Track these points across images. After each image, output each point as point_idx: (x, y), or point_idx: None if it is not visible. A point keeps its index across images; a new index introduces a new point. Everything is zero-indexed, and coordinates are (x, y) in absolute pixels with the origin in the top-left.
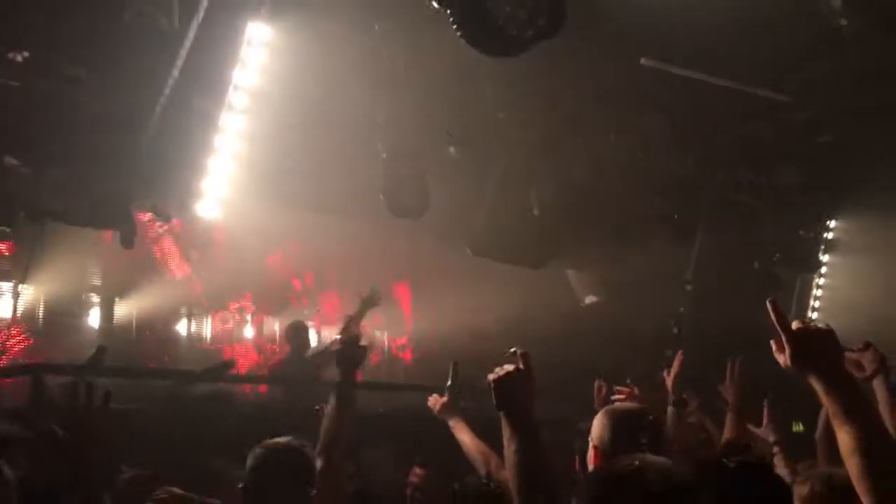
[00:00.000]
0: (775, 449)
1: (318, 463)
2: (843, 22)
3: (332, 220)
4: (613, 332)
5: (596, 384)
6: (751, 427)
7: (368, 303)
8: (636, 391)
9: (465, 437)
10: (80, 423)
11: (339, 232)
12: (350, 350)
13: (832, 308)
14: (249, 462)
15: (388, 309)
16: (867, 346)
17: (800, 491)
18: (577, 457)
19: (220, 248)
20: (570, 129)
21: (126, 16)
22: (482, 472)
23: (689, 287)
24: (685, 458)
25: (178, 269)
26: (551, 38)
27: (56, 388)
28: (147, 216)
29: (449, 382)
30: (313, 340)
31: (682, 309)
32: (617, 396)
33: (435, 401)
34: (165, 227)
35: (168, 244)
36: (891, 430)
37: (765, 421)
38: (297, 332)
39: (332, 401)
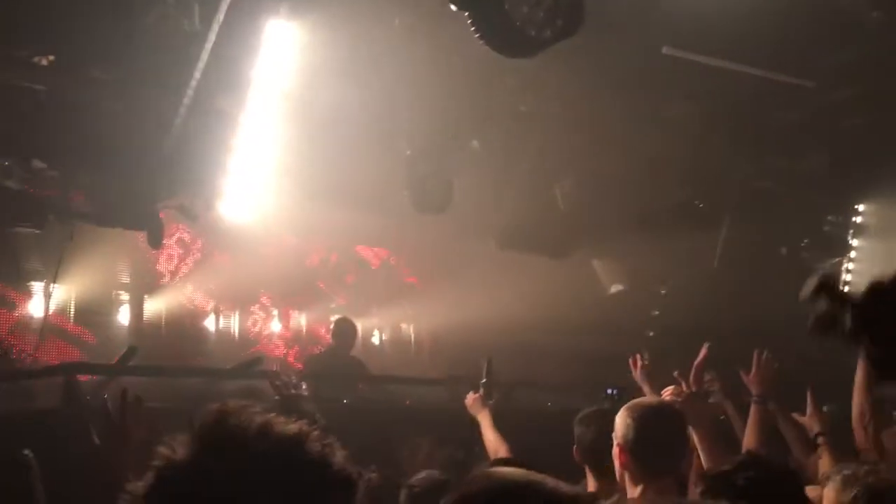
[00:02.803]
0: (819, 440)
1: None
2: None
3: (357, 217)
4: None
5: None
6: (796, 416)
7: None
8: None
9: (487, 430)
10: (114, 429)
11: (363, 228)
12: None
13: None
14: None
15: (414, 302)
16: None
17: (839, 497)
18: (574, 446)
19: (245, 246)
20: (595, 119)
21: (149, 18)
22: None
23: (663, 292)
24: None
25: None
26: (570, 37)
27: (88, 387)
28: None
29: (484, 379)
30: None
31: (655, 312)
32: (666, 392)
33: (471, 398)
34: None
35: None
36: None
37: (808, 411)
38: (343, 329)
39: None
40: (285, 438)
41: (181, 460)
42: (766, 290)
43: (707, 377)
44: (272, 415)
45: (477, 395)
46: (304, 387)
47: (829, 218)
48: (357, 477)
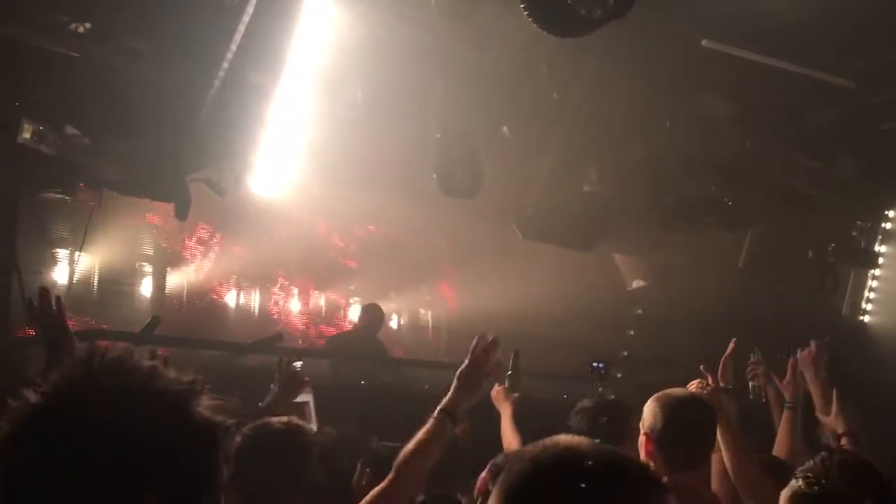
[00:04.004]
0: (843, 440)
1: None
2: None
3: (384, 198)
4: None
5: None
6: (820, 416)
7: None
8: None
9: (506, 424)
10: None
11: (391, 210)
12: (475, 373)
13: (887, 300)
14: (236, 444)
15: (432, 289)
16: None
17: None
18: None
19: (269, 223)
20: (626, 110)
21: None
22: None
23: (639, 311)
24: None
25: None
26: (620, 18)
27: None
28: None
29: (509, 371)
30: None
31: (630, 332)
32: (692, 386)
33: (496, 389)
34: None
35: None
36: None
37: (833, 411)
38: (372, 316)
39: (429, 423)
40: (143, 378)
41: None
42: (791, 292)
43: (752, 359)
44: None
45: (502, 386)
46: (299, 365)
47: (859, 223)
48: (220, 430)
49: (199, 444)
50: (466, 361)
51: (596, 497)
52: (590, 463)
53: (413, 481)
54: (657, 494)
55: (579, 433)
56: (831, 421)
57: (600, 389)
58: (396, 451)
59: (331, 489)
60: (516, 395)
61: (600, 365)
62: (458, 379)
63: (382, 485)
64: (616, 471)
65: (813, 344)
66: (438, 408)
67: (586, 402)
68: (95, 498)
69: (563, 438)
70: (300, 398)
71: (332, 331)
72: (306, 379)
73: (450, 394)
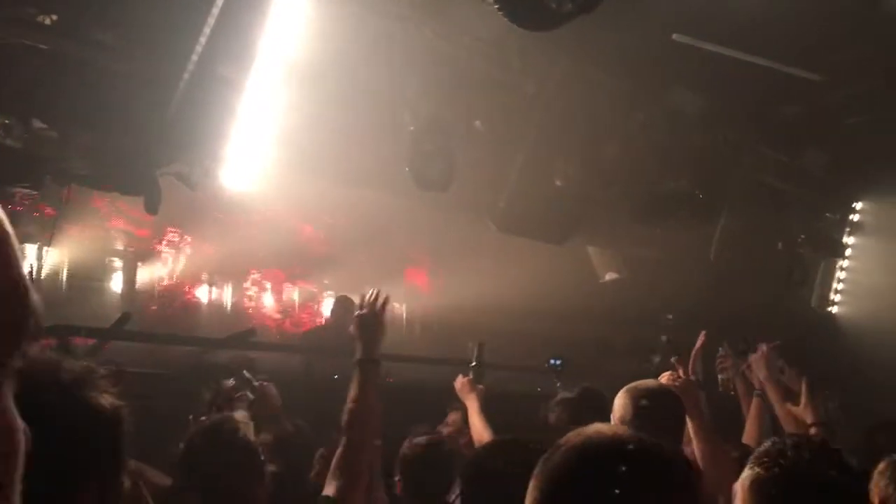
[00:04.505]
0: (813, 430)
1: (341, 444)
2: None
3: (357, 192)
4: (632, 310)
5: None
6: (790, 406)
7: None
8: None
9: (474, 415)
10: None
11: (364, 203)
12: (370, 320)
13: (855, 291)
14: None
15: (407, 282)
16: None
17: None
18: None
19: (243, 217)
20: (599, 104)
21: None
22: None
23: (669, 317)
24: None
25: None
26: (589, 12)
27: (82, 351)
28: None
29: (473, 362)
30: None
31: (664, 338)
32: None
33: (460, 381)
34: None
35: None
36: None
37: (803, 402)
38: (344, 308)
39: (353, 378)
40: (47, 369)
41: None
42: (762, 283)
43: (720, 353)
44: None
45: (466, 378)
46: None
47: (827, 215)
48: (115, 417)
49: (97, 425)
50: (356, 314)
51: (639, 482)
52: (630, 447)
53: (365, 439)
54: (692, 479)
55: (560, 424)
56: (801, 412)
57: (558, 385)
58: None
59: (291, 483)
60: (481, 387)
61: (557, 361)
62: (355, 329)
63: (338, 452)
64: (659, 457)
65: (763, 346)
66: (354, 360)
67: (567, 394)
68: None
69: (602, 426)
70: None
71: (306, 324)
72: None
73: (356, 344)
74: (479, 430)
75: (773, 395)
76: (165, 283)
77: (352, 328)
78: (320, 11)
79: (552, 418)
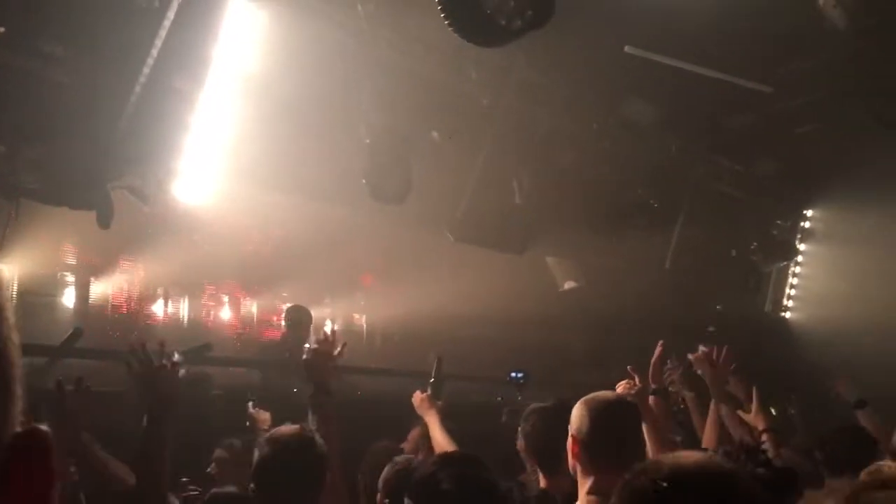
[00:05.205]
0: (764, 437)
1: None
2: (835, 14)
3: (313, 204)
4: (591, 318)
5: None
6: (741, 413)
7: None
8: (637, 380)
9: (436, 432)
10: (69, 413)
11: (319, 216)
12: (318, 360)
13: (807, 297)
14: (257, 457)
15: (367, 293)
16: None
17: None
18: (518, 437)
19: (197, 230)
20: (554, 115)
21: None
22: None
23: (711, 329)
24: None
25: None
26: (540, 28)
27: (31, 369)
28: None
29: (432, 378)
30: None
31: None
32: (620, 386)
33: (417, 397)
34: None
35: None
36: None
37: (754, 408)
38: (297, 318)
39: (311, 416)
40: None
41: None
42: (716, 290)
43: (667, 367)
44: None
45: (424, 394)
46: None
47: (779, 222)
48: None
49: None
50: (308, 348)
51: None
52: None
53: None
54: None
55: (534, 433)
56: (752, 419)
57: (519, 398)
58: None
59: None
60: (440, 402)
61: (518, 375)
62: (307, 366)
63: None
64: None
65: (701, 347)
66: (308, 396)
67: (541, 403)
68: None
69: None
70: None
71: (266, 337)
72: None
73: (309, 382)
74: (443, 446)
75: (714, 392)
76: (119, 296)
77: (304, 360)
78: (274, 22)
79: (526, 427)
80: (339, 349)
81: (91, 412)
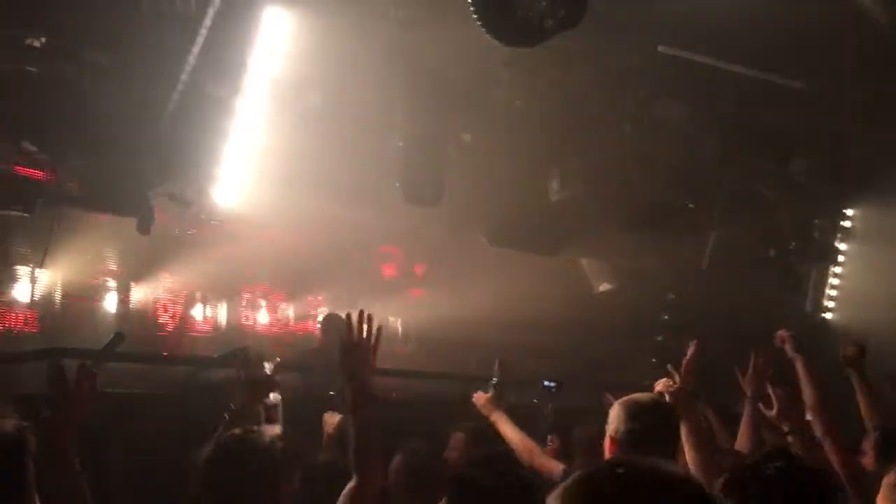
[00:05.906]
0: (790, 438)
1: (351, 482)
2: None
3: (350, 208)
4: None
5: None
6: (766, 412)
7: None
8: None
9: (508, 430)
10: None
11: (357, 219)
12: (358, 356)
13: (848, 298)
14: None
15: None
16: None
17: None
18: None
19: (236, 234)
20: (587, 116)
21: (144, 2)
22: (525, 462)
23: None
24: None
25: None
26: (571, 28)
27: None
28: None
29: (494, 379)
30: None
31: (665, 316)
32: (658, 385)
33: (479, 397)
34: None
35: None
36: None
37: (776, 410)
38: (332, 325)
39: (352, 426)
40: None
41: None
42: (755, 291)
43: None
44: None
45: (487, 395)
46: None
47: (817, 222)
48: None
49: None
50: (342, 343)
51: None
52: None
53: (376, 473)
54: None
55: (590, 436)
56: (777, 420)
57: (549, 406)
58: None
59: None
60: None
61: (551, 384)
62: (342, 366)
63: (350, 488)
64: None
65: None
66: (348, 406)
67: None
68: None
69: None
70: (271, 399)
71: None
72: (275, 379)
73: (346, 388)
74: (522, 443)
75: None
76: (159, 301)
77: (339, 360)
78: (306, 29)
79: (582, 431)
80: (374, 336)
81: (93, 403)
